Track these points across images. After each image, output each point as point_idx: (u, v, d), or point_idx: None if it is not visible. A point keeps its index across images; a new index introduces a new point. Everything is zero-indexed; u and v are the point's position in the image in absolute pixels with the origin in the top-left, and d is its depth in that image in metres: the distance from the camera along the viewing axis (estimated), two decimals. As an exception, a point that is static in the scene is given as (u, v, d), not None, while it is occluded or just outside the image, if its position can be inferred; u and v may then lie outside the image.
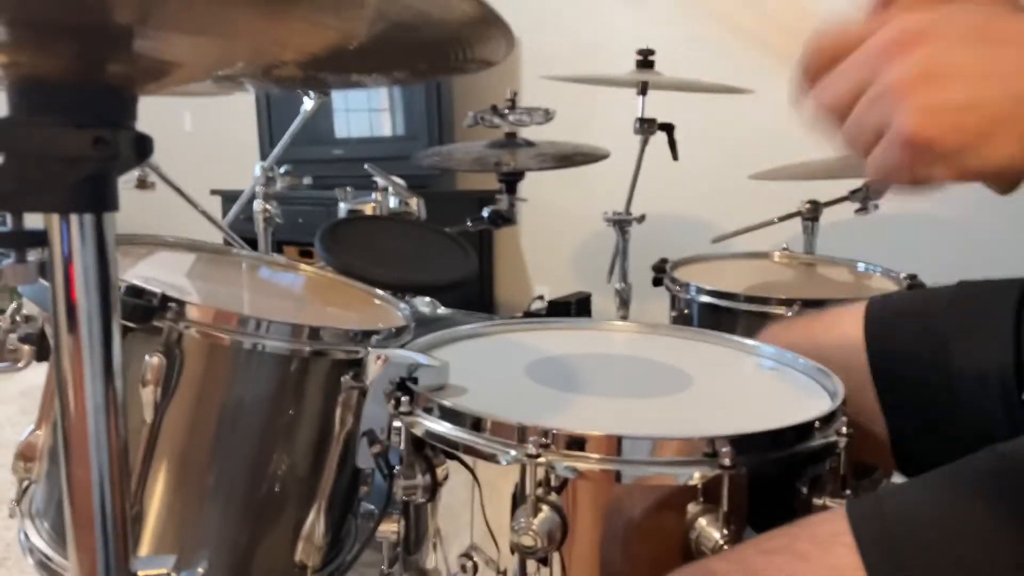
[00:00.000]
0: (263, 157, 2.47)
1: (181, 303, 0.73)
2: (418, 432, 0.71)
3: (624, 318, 1.84)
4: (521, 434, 0.64)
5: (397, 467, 0.73)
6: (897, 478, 0.82)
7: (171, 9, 0.39)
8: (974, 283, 0.83)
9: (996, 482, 0.48)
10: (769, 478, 0.66)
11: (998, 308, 0.75)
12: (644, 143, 1.82)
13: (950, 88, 0.41)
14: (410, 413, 0.72)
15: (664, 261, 1.49)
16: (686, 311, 1.38)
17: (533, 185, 1.93)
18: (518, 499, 0.64)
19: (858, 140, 0.45)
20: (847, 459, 0.69)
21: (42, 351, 0.82)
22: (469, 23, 0.42)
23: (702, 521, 0.62)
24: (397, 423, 0.73)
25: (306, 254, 2.60)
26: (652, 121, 1.78)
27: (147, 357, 0.72)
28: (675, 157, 1.82)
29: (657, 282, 1.47)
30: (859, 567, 0.49)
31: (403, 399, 0.73)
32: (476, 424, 0.68)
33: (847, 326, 0.86)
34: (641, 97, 1.79)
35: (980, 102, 0.41)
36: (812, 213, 1.70)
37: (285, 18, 0.41)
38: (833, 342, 0.85)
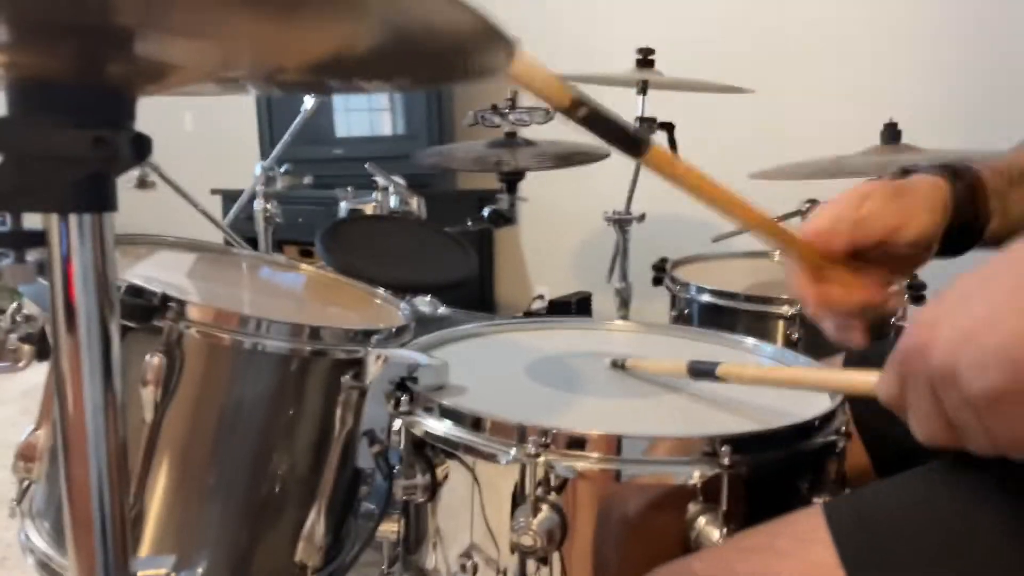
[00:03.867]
0: (263, 157, 2.47)
1: (181, 303, 0.73)
2: (418, 432, 0.72)
3: (624, 318, 1.84)
4: (521, 434, 0.65)
5: (397, 467, 0.73)
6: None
7: (172, 12, 0.39)
8: None
9: (974, 478, 0.49)
10: (769, 478, 0.66)
11: None
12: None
13: (981, 338, 0.43)
14: (410, 413, 0.72)
15: (664, 260, 1.49)
16: (686, 311, 1.38)
17: (533, 185, 1.93)
18: (518, 499, 0.65)
19: (977, 438, 0.46)
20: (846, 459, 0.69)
21: (42, 351, 0.82)
22: (471, 33, 0.42)
23: (702, 520, 0.62)
24: (397, 423, 0.73)
25: (306, 254, 2.60)
26: (652, 120, 1.78)
27: (147, 357, 0.72)
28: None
29: (657, 282, 1.47)
30: (837, 563, 0.49)
31: (403, 399, 0.73)
32: (476, 424, 0.68)
33: None
34: (641, 96, 1.79)
35: (1015, 334, 0.42)
36: (812, 213, 1.69)
37: (287, 24, 0.41)
38: None
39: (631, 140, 0.63)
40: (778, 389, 0.81)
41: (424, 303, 1.73)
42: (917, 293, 1.35)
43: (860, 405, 0.80)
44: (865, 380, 0.57)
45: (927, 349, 0.46)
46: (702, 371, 0.76)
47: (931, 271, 1.35)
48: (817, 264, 0.70)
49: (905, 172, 0.73)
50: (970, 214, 0.71)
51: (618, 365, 0.86)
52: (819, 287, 0.70)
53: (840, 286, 0.70)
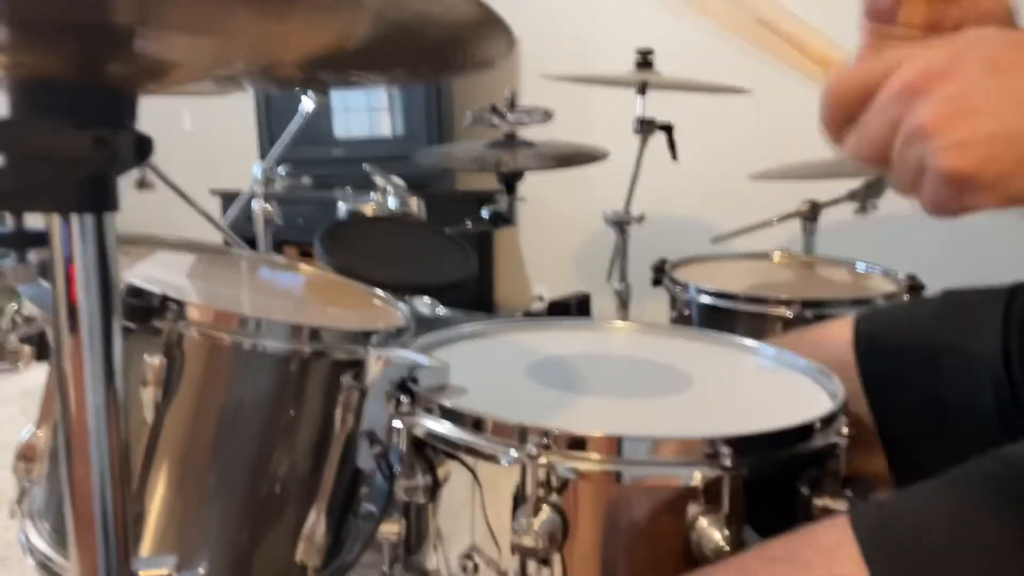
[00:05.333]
0: (263, 157, 2.47)
1: (181, 303, 0.73)
2: (418, 432, 0.71)
3: (624, 318, 1.84)
4: (522, 434, 0.64)
5: (397, 467, 0.73)
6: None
7: (171, 9, 0.39)
8: (958, 293, 0.83)
9: (1000, 488, 0.48)
10: (770, 479, 0.66)
11: (984, 319, 0.75)
12: (643, 143, 1.83)
13: (979, 120, 0.42)
14: (410, 413, 0.72)
15: (664, 261, 1.49)
16: (686, 311, 1.38)
17: (533, 185, 1.93)
18: (519, 500, 0.64)
19: (905, 183, 0.46)
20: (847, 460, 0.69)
21: (42, 351, 0.82)
22: (469, 24, 0.42)
23: (703, 522, 0.62)
24: (397, 423, 0.73)
25: (306, 254, 2.60)
26: (651, 121, 1.78)
27: (147, 358, 0.72)
28: (674, 157, 1.82)
29: (657, 282, 1.47)
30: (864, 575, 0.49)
31: (403, 399, 0.73)
32: (477, 424, 0.68)
33: (835, 343, 0.86)
34: (640, 97, 1.79)
35: (1010, 130, 0.42)
36: (811, 213, 1.69)
37: (284, 18, 0.41)
38: (823, 358, 0.85)
39: None
40: (777, 389, 0.81)
41: (424, 303, 1.73)
42: (917, 294, 1.35)
43: (883, 406, 0.79)
44: (828, 55, 0.54)
45: (914, 95, 0.44)
46: None
47: (931, 272, 1.35)
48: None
49: None
50: None
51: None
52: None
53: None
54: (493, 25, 0.42)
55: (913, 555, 0.49)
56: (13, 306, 0.84)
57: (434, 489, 0.72)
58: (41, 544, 0.79)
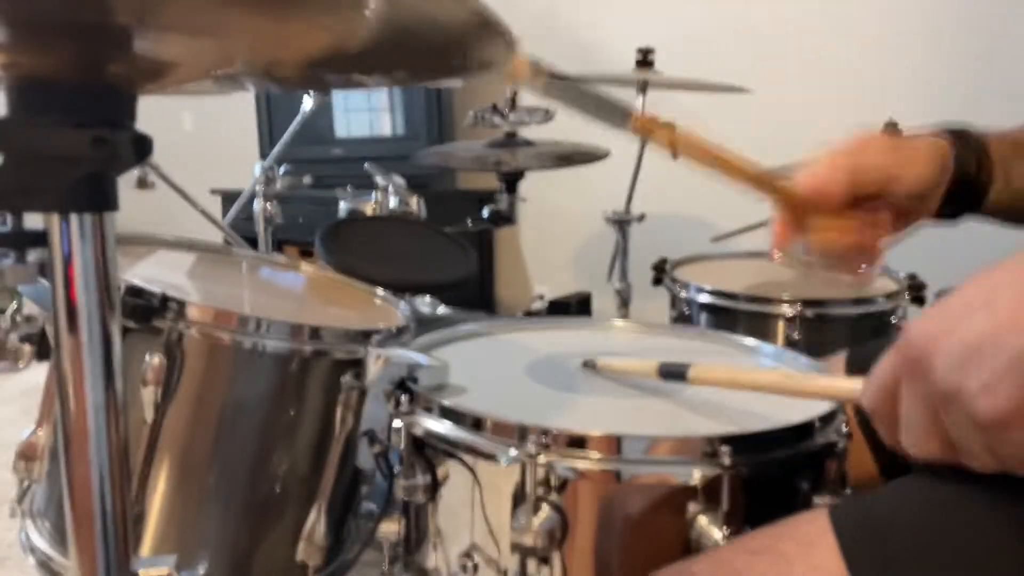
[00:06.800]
0: (263, 157, 2.47)
1: (181, 303, 0.73)
2: (418, 432, 0.71)
3: (624, 318, 1.84)
4: (521, 434, 0.65)
5: (397, 467, 0.73)
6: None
7: (171, 10, 0.39)
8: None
9: (979, 480, 0.48)
10: (769, 478, 0.66)
11: None
12: (644, 142, 1.82)
13: (990, 358, 0.41)
14: (410, 413, 0.72)
15: (664, 261, 1.49)
16: (686, 311, 1.38)
17: (533, 184, 1.93)
18: (518, 499, 0.64)
19: (976, 455, 0.45)
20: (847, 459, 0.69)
21: (42, 351, 0.82)
22: (470, 27, 0.42)
23: (702, 520, 0.62)
24: (397, 423, 0.73)
25: (306, 254, 2.59)
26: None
27: (147, 357, 0.72)
28: (675, 156, 1.82)
29: (657, 282, 1.47)
30: (842, 567, 0.49)
31: (403, 399, 0.73)
32: (476, 424, 0.68)
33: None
34: (641, 96, 1.79)
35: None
36: (812, 213, 1.69)
37: (284, 19, 0.41)
38: None
39: (614, 110, 0.63)
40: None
41: (424, 303, 1.73)
42: (917, 294, 1.35)
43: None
44: (849, 387, 0.56)
45: (927, 365, 0.44)
46: (673, 373, 0.75)
47: (931, 272, 1.35)
48: (807, 213, 0.69)
49: (892, 125, 0.74)
50: (971, 174, 0.70)
51: (589, 365, 0.85)
52: (810, 236, 0.69)
53: (829, 231, 0.69)
54: (493, 29, 0.42)
55: (890, 546, 0.49)
56: (13, 305, 0.84)
57: (434, 488, 0.72)
58: (41, 543, 0.79)
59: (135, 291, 0.72)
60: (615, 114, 0.64)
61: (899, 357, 0.47)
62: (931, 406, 0.45)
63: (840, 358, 0.90)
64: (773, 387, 0.69)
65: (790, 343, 1.24)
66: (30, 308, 0.83)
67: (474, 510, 0.69)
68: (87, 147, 0.44)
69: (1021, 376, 0.40)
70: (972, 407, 0.42)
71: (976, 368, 0.42)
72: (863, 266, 0.70)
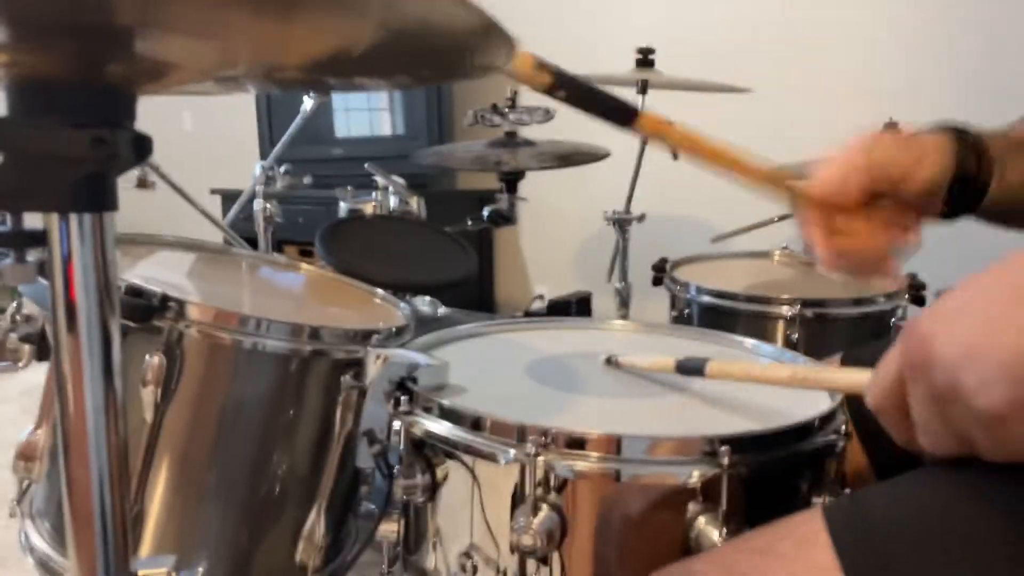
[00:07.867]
0: (263, 156, 2.47)
1: (181, 303, 0.73)
2: (418, 432, 0.72)
3: (624, 318, 1.84)
4: (521, 434, 0.65)
5: (397, 467, 0.73)
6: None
7: (171, 11, 0.39)
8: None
9: (974, 479, 0.49)
10: (769, 478, 0.66)
11: None
12: (644, 142, 1.82)
13: (987, 357, 0.42)
14: (410, 413, 0.72)
15: (664, 261, 1.49)
16: (686, 311, 1.38)
17: (533, 184, 1.93)
18: (518, 499, 0.65)
19: (986, 447, 0.46)
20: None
21: (42, 350, 0.82)
22: (471, 31, 0.42)
23: (702, 520, 0.62)
24: (397, 423, 0.73)
25: (306, 254, 2.60)
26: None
27: (147, 357, 0.72)
28: (675, 156, 1.82)
29: (657, 282, 1.47)
30: (837, 566, 0.49)
31: (403, 399, 0.73)
32: (476, 424, 0.68)
33: None
34: (641, 96, 1.79)
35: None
36: (812, 213, 1.69)
37: (286, 23, 0.41)
38: None
39: (621, 110, 0.63)
40: (777, 388, 0.81)
41: (424, 303, 1.73)
42: (917, 293, 1.35)
43: (858, 406, 0.80)
44: (857, 380, 0.57)
45: (927, 365, 0.45)
46: (691, 368, 0.76)
47: (931, 272, 1.35)
48: (829, 215, 0.68)
49: (892, 125, 0.73)
50: (972, 170, 0.70)
51: (612, 362, 0.86)
52: (835, 240, 0.68)
53: (856, 235, 0.68)
54: (494, 33, 0.42)
55: (885, 546, 0.49)
56: (13, 305, 0.84)
57: (433, 488, 0.72)
58: (41, 543, 0.79)
59: (135, 291, 0.72)
60: (621, 113, 0.63)
61: (900, 359, 0.48)
62: (936, 405, 0.46)
63: (834, 360, 0.90)
64: (789, 381, 0.70)
65: (789, 343, 1.24)
66: (30, 308, 0.83)
67: (473, 510, 0.69)
68: (87, 147, 0.44)
69: (1013, 374, 0.41)
70: (971, 403, 0.43)
71: (971, 368, 0.43)
72: (891, 267, 0.70)
